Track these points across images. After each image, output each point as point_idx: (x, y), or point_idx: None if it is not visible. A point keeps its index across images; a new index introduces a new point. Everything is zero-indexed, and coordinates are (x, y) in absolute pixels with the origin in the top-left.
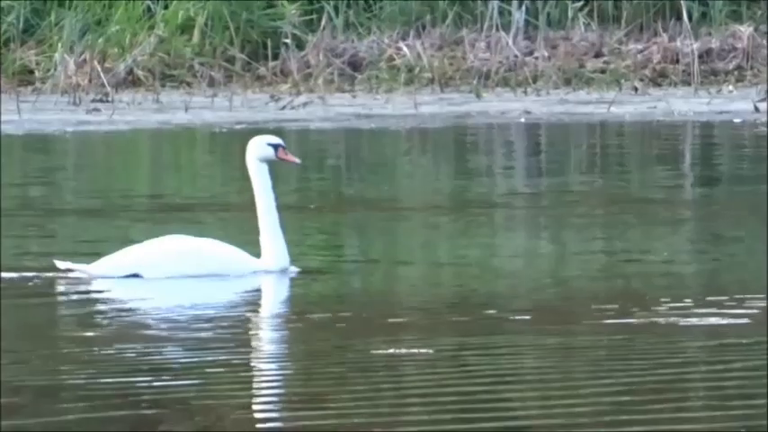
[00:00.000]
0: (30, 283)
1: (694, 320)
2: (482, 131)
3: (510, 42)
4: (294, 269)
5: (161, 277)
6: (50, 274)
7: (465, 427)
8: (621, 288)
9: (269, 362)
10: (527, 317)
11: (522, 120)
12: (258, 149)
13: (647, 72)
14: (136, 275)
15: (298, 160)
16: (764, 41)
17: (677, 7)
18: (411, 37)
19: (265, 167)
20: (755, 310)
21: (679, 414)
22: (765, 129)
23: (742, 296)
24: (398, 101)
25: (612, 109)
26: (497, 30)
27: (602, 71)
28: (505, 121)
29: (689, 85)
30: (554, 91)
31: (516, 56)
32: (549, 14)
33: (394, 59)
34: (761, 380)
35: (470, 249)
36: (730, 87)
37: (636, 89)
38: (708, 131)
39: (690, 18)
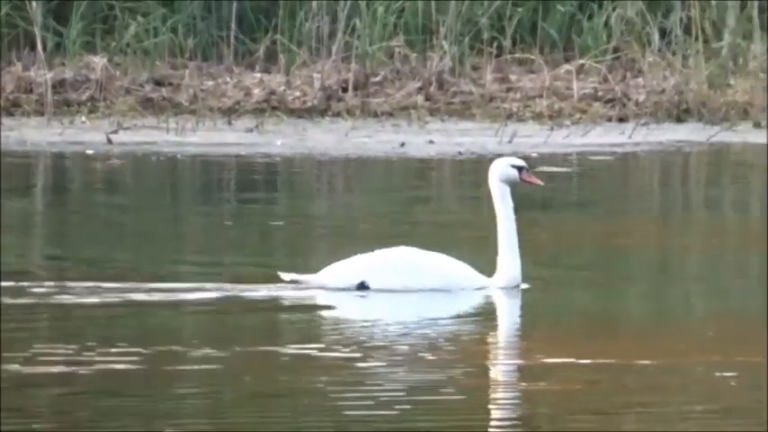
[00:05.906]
0: (255, 295)
1: None
2: None
3: None
4: (524, 286)
5: (387, 289)
6: (275, 285)
7: None
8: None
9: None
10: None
11: None
12: (503, 171)
13: None
14: (362, 286)
15: (541, 182)
16: (117, 73)
17: (31, 36)
18: None
19: (508, 189)
20: None
21: None
22: (117, 161)
23: None
24: None
25: None
26: None
27: None
28: None
29: (42, 115)
30: None
31: None
32: None
33: None
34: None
35: None
36: (83, 118)
37: None
38: (60, 162)
39: (44, 48)
